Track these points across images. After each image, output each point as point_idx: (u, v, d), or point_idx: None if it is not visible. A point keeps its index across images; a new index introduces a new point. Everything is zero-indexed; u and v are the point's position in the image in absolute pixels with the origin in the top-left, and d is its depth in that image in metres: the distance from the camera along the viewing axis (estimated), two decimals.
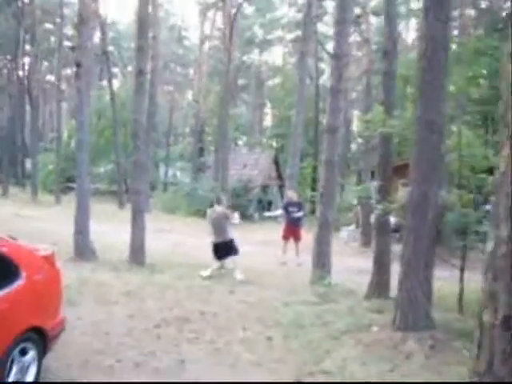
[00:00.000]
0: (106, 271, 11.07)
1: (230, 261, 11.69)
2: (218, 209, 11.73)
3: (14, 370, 4.73)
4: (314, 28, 32.47)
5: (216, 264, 11.60)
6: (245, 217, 28.40)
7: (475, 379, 3.72)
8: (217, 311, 8.39)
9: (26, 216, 22.79)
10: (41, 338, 5.08)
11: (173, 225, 23.55)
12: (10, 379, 4.68)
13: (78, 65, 12.09)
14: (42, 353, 5.13)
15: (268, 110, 66.85)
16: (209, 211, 11.95)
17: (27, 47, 43.84)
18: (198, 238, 18.00)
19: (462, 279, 8.45)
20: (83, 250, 12.29)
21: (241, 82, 63.59)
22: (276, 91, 57.96)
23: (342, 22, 10.23)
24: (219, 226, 11.54)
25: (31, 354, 4.96)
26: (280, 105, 51.56)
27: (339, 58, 10.39)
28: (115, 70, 67.75)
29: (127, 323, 7.52)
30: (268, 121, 66.27)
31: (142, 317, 7.85)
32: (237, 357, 6.50)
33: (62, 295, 5.68)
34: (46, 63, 56.82)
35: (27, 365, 4.92)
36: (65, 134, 41.67)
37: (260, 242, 18.88)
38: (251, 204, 31.49)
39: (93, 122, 43.84)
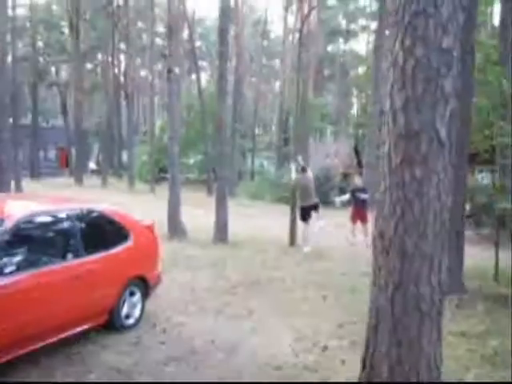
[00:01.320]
0: (195, 247, 12.97)
1: (305, 230, 13.54)
2: (307, 174, 13.61)
3: (126, 305, 6.59)
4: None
5: (305, 229, 13.47)
6: (327, 203, 29.82)
7: None
8: (284, 277, 10.03)
9: (124, 203, 25.09)
10: (144, 285, 6.90)
11: (256, 210, 25.32)
12: (123, 312, 6.55)
13: (169, 70, 14.00)
14: (145, 295, 6.96)
15: (353, 99, 67.38)
16: (296, 177, 13.91)
17: (122, 46, 47.03)
18: (278, 221, 19.66)
19: (497, 252, 9.64)
20: (176, 229, 14.24)
21: (326, 71, 64.50)
22: (361, 80, 58.47)
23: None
24: (306, 189, 13.41)
25: (137, 295, 6.80)
26: (364, 93, 52.23)
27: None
28: (204, 63, 70.68)
29: (210, 283, 9.30)
30: (354, 110, 66.77)
31: (222, 280, 9.62)
32: (296, 309, 8.10)
33: (159, 255, 7.49)
34: (138, 59, 60.06)
35: (134, 303, 6.77)
36: (157, 127, 44.30)
37: (335, 225, 20.28)
38: (333, 191, 32.73)
39: (183, 115, 46.51)
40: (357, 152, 34.34)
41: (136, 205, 24.61)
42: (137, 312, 6.81)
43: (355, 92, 64.39)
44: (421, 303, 3.96)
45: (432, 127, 3.73)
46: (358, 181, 17.20)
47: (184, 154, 44.80)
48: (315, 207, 13.64)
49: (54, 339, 5.58)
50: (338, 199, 17.78)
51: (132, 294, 6.72)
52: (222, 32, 13.58)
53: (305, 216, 13.47)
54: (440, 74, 3.72)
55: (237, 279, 9.69)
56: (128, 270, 6.61)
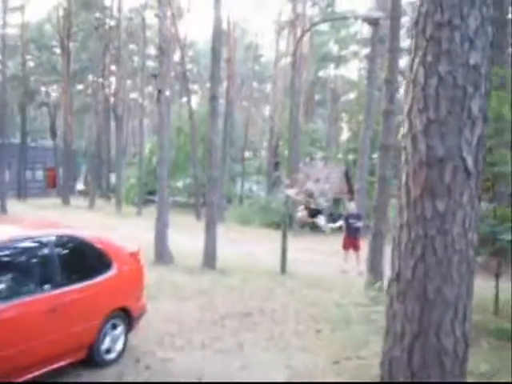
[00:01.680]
0: (182, 273, 12.49)
1: None
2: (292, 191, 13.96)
3: (107, 339, 6.11)
4: (382, 47, 33.22)
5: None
6: (316, 228, 29.46)
7: None
8: (275, 308, 9.57)
9: (110, 226, 24.71)
10: (127, 317, 6.43)
11: (246, 236, 24.86)
12: (104, 346, 6.06)
13: (160, 91, 13.65)
14: (128, 328, 6.49)
15: (344, 124, 67.52)
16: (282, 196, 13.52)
17: (112, 67, 46.78)
18: (267, 247, 19.26)
19: (497, 284, 9.26)
20: (162, 254, 13.77)
21: (317, 96, 64.70)
22: (351, 106, 58.62)
23: (394, 50, 11.24)
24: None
25: (120, 328, 6.33)
26: (354, 119, 52.25)
27: (390, 83, 11.40)
28: (194, 86, 70.61)
29: (197, 314, 8.82)
30: (344, 135, 66.86)
31: (210, 310, 9.14)
32: (288, 343, 7.65)
33: (144, 285, 7.03)
34: (129, 81, 59.87)
35: (116, 337, 6.28)
36: (146, 150, 44.02)
37: (326, 252, 19.87)
38: (323, 216, 32.42)
39: (172, 137, 46.22)
40: (348, 177, 34.12)
41: (122, 228, 24.19)
42: (119, 346, 6.33)
43: (345, 118, 64.58)
44: (443, 357, 3.46)
45: (457, 154, 3.27)
46: (352, 206, 16.85)
47: (173, 176, 44.50)
48: None
49: (27, 377, 5.09)
50: (329, 225, 17.39)
51: (114, 326, 6.25)
52: (215, 52, 13.29)
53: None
54: (467, 93, 3.28)
55: (226, 310, 9.21)
56: (110, 301, 6.15)
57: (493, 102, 8.06)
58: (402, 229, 3.50)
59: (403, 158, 3.45)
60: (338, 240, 23.54)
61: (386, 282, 11.67)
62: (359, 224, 15.55)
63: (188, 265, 13.64)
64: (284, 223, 14.44)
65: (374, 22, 13.65)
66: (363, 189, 25.21)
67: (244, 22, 64.85)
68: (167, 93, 13.75)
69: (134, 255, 6.90)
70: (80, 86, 57.38)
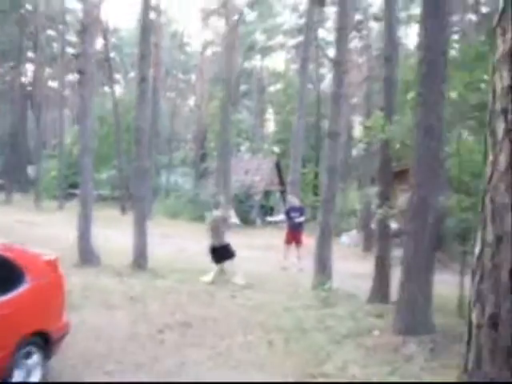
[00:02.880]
0: (110, 276, 11.18)
1: (229, 265, 11.84)
2: (216, 213, 12.12)
3: (18, 372, 4.82)
4: (315, 34, 32.69)
5: (216, 268, 11.72)
6: (247, 222, 28.50)
7: (464, 379, 3.79)
8: (218, 316, 8.47)
9: (29, 222, 22.91)
10: (45, 341, 5.17)
11: (175, 230, 23.62)
12: (15, 380, 4.77)
13: (81, 72, 12.22)
14: (47, 355, 5.22)
15: (270, 115, 66.96)
16: (208, 215, 12.17)
17: (30, 54, 44.11)
18: (200, 244, 17.97)
19: (462, 284, 8.52)
20: (87, 255, 12.40)
21: (242, 87, 63.75)
22: (278, 97, 58.11)
23: (342, 28, 10.35)
24: (216, 229, 11.79)
25: (35, 357, 5.06)
26: (282, 110, 51.72)
27: (340, 64, 10.49)
28: (117, 76, 68.12)
29: (130, 328, 7.61)
30: (270, 126, 66.32)
31: (145, 322, 7.94)
32: (238, 360, 6.59)
33: (65, 299, 5.78)
34: (48, 70, 56.96)
35: (32, 367, 5.01)
36: (67, 141, 41.83)
37: (261, 247, 18.96)
38: (253, 209, 31.56)
39: (95, 128, 44.09)
40: (279, 169, 33.35)
41: (41, 224, 22.43)
42: (36, 377, 5.06)
43: (272, 109, 64.02)
44: None
45: None
46: (293, 200, 15.88)
47: (96, 169, 42.46)
48: (226, 249, 11.80)
49: None
50: (271, 219, 16.41)
51: (28, 355, 4.96)
52: (144, 31, 11.99)
53: (215, 257, 11.91)
54: None
55: (163, 320, 8.02)
56: (21, 324, 4.85)
57: None
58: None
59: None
60: (272, 234, 22.88)
61: (336, 282, 10.80)
62: (301, 219, 14.69)
63: (116, 266, 12.30)
64: None
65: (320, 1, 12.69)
66: (297, 181, 24.46)
67: (169, 10, 62.90)
68: (89, 73, 12.27)
69: (52, 264, 5.60)
70: None
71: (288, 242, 14.68)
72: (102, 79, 53.80)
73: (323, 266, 10.55)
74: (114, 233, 19.41)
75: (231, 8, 38.17)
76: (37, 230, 20.26)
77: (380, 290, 9.36)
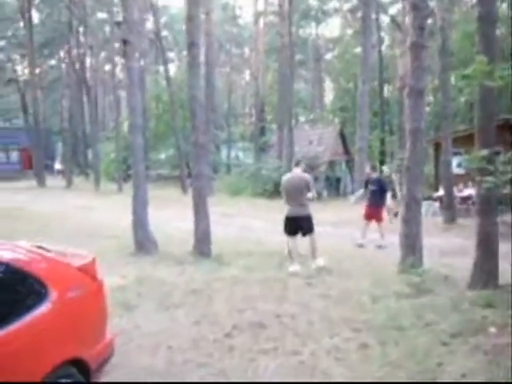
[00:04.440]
0: (169, 266, 10.04)
1: (308, 241, 9.90)
2: (297, 172, 9.91)
3: None
4: None
5: (291, 245, 9.83)
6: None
7: None
8: (295, 312, 7.15)
9: (87, 207, 22.35)
10: (81, 371, 3.98)
11: (239, 208, 22.51)
12: None
13: (126, 42, 11.00)
14: None
15: (327, 84, 64.99)
16: (285, 177, 10.25)
17: (82, 38, 43.52)
18: (266, 221, 16.91)
19: None
20: (143, 242, 11.32)
21: (298, 57, 61.86)
22: (335, 64, 56.07)
23: None
24: (296, 195, 9.65)
25: None
26: (340, 78, 49.74)
27: (419, 8, 8.92)
28: (171, 54, 67.26)
29: (193, 332, 6.40)
30: (328, 95, 64.41)
31: (210, 323, 6.72)
32: (326, 373, 5.28)
33: (107, 313, 4.58)
34: (103, 53, 56.51)
35: None
36: (124, 123, 41.29)
37: (331, 223, 17.55)
38: (319, 181, 30.12)
39: (151, 106, 43.44)
40: (343, 137, 31.70)
41: (99, 209, 21.73)
42: None
43: (328, 78, 62.04)
44: None
45: None
46: (371, 171, 14.33)
47: (154, 148, 41.86)
48: (306, 221, 9.78)
49: None
50: (353, 197, 14.72)
51: None
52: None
53: (288, 229, 9.88)
54: None
55: (230, 320, 6.78)
56: (46, 355, 3.64)
57: None
58: None
59: None
60: (341, 208, 21.40)
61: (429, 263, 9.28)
62: (387, 194, 13.32)
63: (176, 253, 11.17)
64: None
65: None
66: (364, 148, 22.96)
67: None
68: (134, 45, 11.05)
69: (88, 268, 4.38)
70: (52, 61, 54.06)
71: (367, 217, 13.23)
72: (155, 58, 53.12)
73: (412, 246, 9.06)
74: (174, 215, 18.49)
75: None
76: (94, 215, 19.58)
77: (485, 272, 7.84)
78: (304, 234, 9.84)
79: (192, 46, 10.56)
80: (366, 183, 13.55)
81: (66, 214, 19.45)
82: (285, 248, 10.12)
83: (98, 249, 11.77)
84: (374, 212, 13.09)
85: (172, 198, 26.08)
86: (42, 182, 36.96)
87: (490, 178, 6.58)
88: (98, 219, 17.91)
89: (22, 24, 42.71)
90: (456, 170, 19.53)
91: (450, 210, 17.04)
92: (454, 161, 19.11)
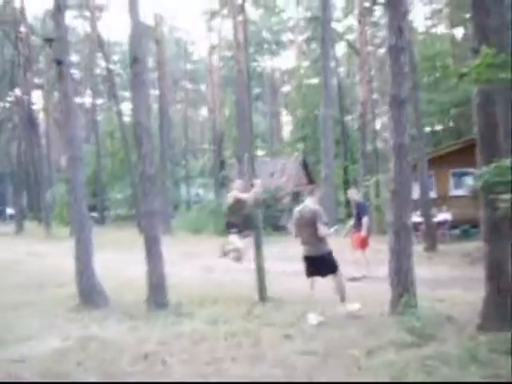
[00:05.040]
0: (118, 321, 8.42)
1: (334, 281, 8.30)
2: (309, 203, 8.37)
3: None
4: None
5: (311, 286, 8.35)
6: (277, 229, 25.80)
7: None
8: (273, 375, 5.67)
9: (37, 254, 20.72)
10: None
11: (200, 247, 21.01)
12: None
13: (59, 62, 9.53)
14: None
15: (284, 116, 64.59)
16: (295, 210, 8.70)
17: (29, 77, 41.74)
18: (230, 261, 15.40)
19: None
20: (89, 293, 9.69)
21: (255, 90, 61.33)
22: (292, 95, 55.64)
23: None
24: (307, 230, 8.20)
25: None
26: (300, 108, 49.10)
27: (396, 7, 7.75)
28: (125, 93, 65.83)
29: None
30: (286, 127, 63.96)
31: None
32: None
33: None
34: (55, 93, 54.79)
35: None
36: None
37: (299, 259, 16.23)
38: (283, 214, 28.87)
39: (106, 144, 41.95)
40: (306, 166, 30.61)
41: (49, 256, 20.05)
42: None
43: (285, 110, 61.56)
44: None
45: None
46: (356, 196, 13.18)
47: (111, 187, 40.22)
48: (326, 260, 8.33)
49: None
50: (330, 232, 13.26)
51: None
52: (133, 6, 9.28)
53: (308, 270, 8.44)
54: None
55: None
56: None
57: None
58: None
59: None
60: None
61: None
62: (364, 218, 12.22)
63: (129, 304, 9.55)
64: (256, 228, 10.59)
65: None
66: (330, 176, 21.80)
67: (172, 19, 60.51)
68: (72, 60, 9.61)
69: None
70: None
71: (362, 244, 12.29)
72: (109, 94, 51.54)
73: (404, 282, 7.69)
74: (129, 258, 16.82)
75: (234, 7, 35.60)
76: (44, 262, 18.09)
77: (499, 309, 6.50)
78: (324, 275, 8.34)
79: (135, 61, 9.09)
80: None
81: (16, 261, 17.88)
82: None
83: (46, 299, 10.25)
84: (355, 238, 12.10)
85: (128, 238, 24.33)
86: None
87: (506, 196, 5.27)
88: (49, 266, 16.45)
89: None
90: None
91: (431, 236, 15.86)
92: None
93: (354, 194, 13.22)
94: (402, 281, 7.71)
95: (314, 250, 8.19)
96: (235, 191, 10.53)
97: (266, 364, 6.04)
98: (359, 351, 6.23)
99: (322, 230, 8.07)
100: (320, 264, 8.18)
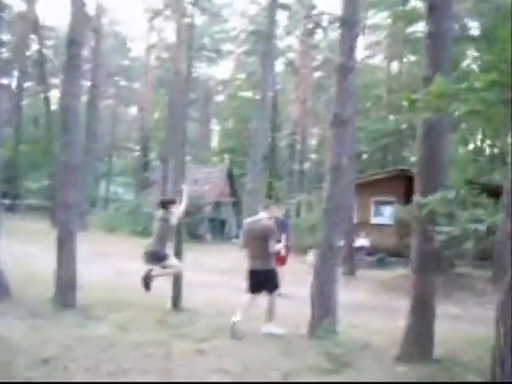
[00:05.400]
0: (19, 318, 7.79)
1: (269, 301, 8.12)
2: (262, 218, 8.24)
3: None
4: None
5: (247, 300, 7.98)
6: (196, 237, 25.43)
7: None
8: None
9: None
10: None
11: (114, 247, 20.36)
12: None
13: None
14: None
15: (215, 125, 64.30)
16: (246, 221, 8.55)
17: None
18: (143, 264, 14.87)
19: None
20: None
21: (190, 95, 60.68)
22: (223, 106, 55.62)
23: None
24: (256, 244, 7.93)
25: None
26: (230, 118, 49.11)
27: (349, 24, 7.62)
28: (55, 80, 63.78)
29: None
30: (215, 136, 63.68)
31: None
32: None
33: None
34: None
35: None
36: None
37: (217, 270, 15.99)
38: (203, 223, 28.53)
39: (29, 130, 40.29)
40: (231, 178, 30.40)
41: None
42: None
43: (216, 119, 61.36)
44: None
45: None
46: (278, 213, 12.75)
47: (27, 175, 38.60)
48: (270, 277, 8.07)
49: None
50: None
51: None
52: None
53: (251, 285, 8.04)
54: None
55: None
56: None
57: None
58: None
59: None
60: (226, 253, 19.81)
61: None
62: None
63: (33, 301, 8.91)
64: (178, 234, 10.20)
65: None
66: (256, 190, 21.60)
67: (113, 11, 59.06)
68: None
69: None
70: None
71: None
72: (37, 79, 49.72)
73: (325, 304, 7.50)
74: (40, 251, 15.97)
75: (179, 9, 35.14)
76: None
77: (420, 341, 6.39)
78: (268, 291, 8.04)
79: (72, 43, 8.56)
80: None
81: None
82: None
83: None
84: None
85: (40, 231, 23.27)
86: None
87: (446, 229, 5.15)
88: None
89: None
90: None
91: (350, 261, 15.91)
92: None
93: (276, 211, 12.86)
94: (323, 304, 7.51)
95: (262, 265, 7.91)
96: (178, 210, 9.58)
97: (174, 378, 5.66)
98: (276, 374, 5.95)
99: (274, 247, 7.93)
100: (265, 278, 7.91)
